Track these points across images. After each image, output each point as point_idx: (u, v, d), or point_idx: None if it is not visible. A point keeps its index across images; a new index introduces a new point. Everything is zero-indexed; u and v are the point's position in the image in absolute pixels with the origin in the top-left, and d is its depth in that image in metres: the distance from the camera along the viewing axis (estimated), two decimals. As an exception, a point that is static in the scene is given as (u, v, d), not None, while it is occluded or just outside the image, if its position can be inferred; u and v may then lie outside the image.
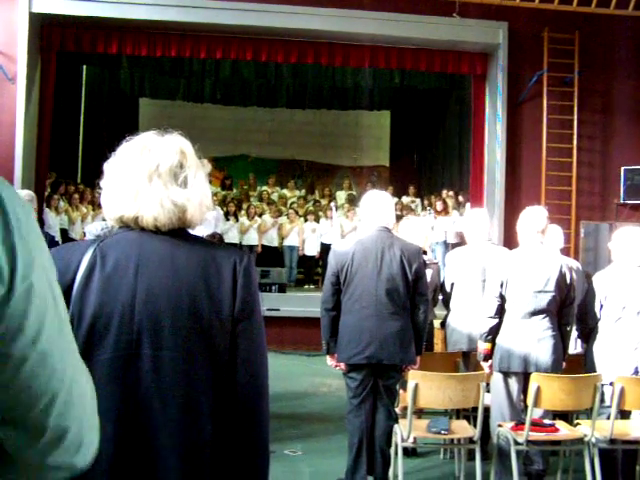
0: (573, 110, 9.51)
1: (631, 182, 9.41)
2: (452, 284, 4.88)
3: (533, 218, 4.05)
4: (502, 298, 3.99)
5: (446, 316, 5.00)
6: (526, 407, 3.80)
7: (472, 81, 10.25)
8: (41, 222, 8.65)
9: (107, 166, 1.50)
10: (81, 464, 0.82)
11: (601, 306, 4.09)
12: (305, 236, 11.24)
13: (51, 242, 8.32)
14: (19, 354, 0.73)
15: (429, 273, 4.61)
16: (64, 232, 9.42)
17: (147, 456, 1.36)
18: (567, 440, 3.88)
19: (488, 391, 3.97)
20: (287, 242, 11.28)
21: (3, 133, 8.68)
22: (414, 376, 3.70)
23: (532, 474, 3.96)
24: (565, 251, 6.01)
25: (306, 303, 8.57)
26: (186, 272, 1.43)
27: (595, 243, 9.41)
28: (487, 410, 3.97)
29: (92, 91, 13.05)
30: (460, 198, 11.15)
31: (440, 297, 5.10)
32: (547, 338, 3.92)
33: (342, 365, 3.91)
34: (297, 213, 11.54)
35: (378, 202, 3.98)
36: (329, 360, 4.01)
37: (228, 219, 10.86)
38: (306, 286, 11.10)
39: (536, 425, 3.72)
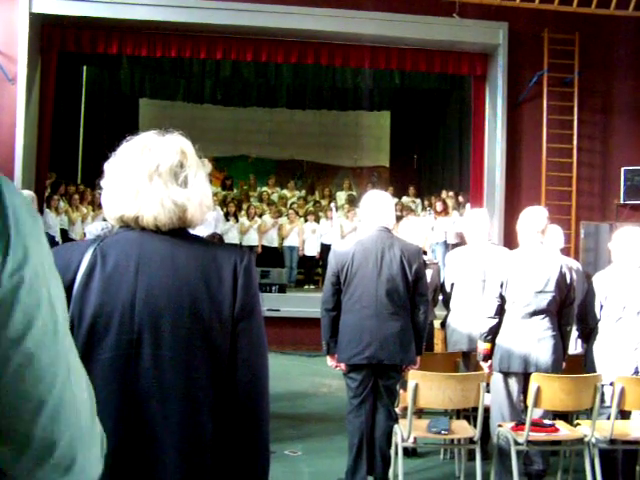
0: (573, 110, 9.51)
1: (631, 182, 9.41)
2: (452, 284, 4.88)
3: (533, 218, 4.05)
4: (502, 298, 3.99)
5: (446, 316, 5.00)
6: (526, 407, 3.80)
7: (472, 82, 10.26)
8: (41, 222, 8.63)
9: (107, 166, 1.49)
10: None
11: (601, 306, 4.09)
12: (305, 236, 11.23)
13: (51, 242, 8.29)
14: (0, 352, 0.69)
15: (429, 273, 4.61)
16: (64, 232, 9.43)
17: (148, 455, 1.36)
18: (567, 440, 3.88)
19: (488, 391, 3.97)
20: (287, 242, 11.28)
21: (3, 133, 8.68)
22: (414, 376, 3.70)
23: (532, 474, 3.96)
24: (565, 251, 6.00)
25: (306, 303, 8.56)
26: (186, 272, 1.43)
27: (595, 243, 9.40)
28: (487, 410, 3.97)
29: (92, 91, 13.04)
30: (460, 198, 11.15)
31: (440, 297, 5.10)
32: (547, 338, 3.92)
33: (342, 365, 3.91)
34: (297, 213, 11.54)
35: (378, 202, 3.98)
36: (329, 360, 4.01)
37: (228, 219, 10.86)
38: (306, 286, 11.09)
39: (536, 425, 3.72)
